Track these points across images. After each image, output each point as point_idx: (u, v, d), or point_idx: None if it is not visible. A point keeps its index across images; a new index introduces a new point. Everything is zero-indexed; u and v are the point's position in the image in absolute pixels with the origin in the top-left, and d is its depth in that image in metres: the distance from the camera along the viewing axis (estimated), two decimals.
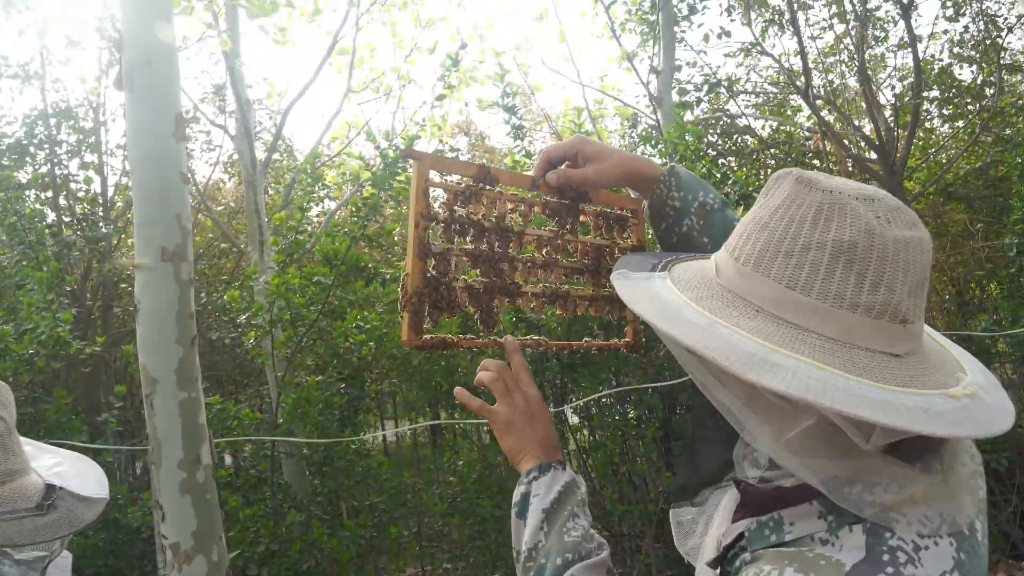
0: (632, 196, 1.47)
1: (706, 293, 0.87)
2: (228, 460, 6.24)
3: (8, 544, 1.13)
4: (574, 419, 5.13)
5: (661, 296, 0.89)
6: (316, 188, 5.86)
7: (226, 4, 5.01)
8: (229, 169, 8.80)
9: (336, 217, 6.03)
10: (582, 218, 1.42)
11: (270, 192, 7.95)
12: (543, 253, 1.38)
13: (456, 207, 1.27)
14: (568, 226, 1.38)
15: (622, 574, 4.72)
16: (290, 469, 5.09)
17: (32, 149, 6.57)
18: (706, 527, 1.10)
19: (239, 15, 5.69)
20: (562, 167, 1.33)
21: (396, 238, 7.22)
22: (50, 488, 1.20)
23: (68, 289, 4.84)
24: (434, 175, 1.27)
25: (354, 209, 4.86)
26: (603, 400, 4.66)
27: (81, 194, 7.24)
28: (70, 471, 1.31)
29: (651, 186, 1.26)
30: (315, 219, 7.43)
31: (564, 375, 4.76)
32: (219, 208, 8.85)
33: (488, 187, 1.30)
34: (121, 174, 7.08)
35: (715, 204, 1.24)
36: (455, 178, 1.34)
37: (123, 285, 6.42)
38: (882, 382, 0.74)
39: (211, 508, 2.42)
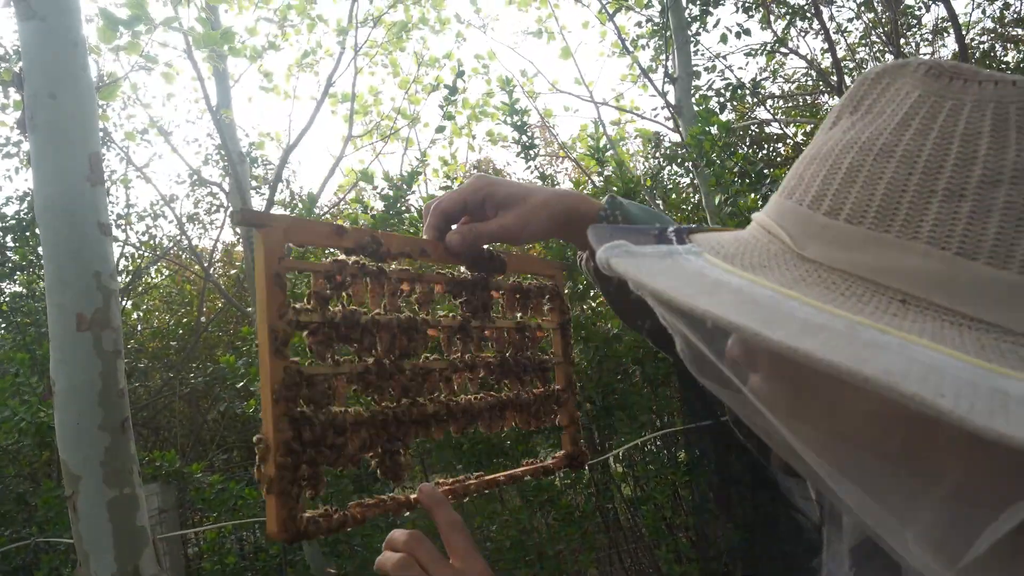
0: (547, 259, 1.10)
1: (795, 275, 0.47)
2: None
3: None
4: (619, 469, 4.59)
5: (725, 283, 0.46)
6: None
7: (206, 55, 4.71)
8: (238, 231, 8.53)
9: None
10: (494, 295, 1.00)
11: None
12: (457, 351, 0.95)
13: (328, 299, 0.81)
14: (482, 308, 0.96)
15: None
16: (310, 548, 4.63)
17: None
18: None
19: (227, 66, 5.41)
20: (461, 223, 0.92)
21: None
22: None
23: None
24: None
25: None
26: (647, 446, 4.13)
27: None
28: None
29: (587, 217, 0.89)
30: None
31: (600, 419, 4.25)
32: (232, 272, 8.58)
33: (374, 261, 0.84)
34: (124, 241, 6.81)
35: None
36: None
37: (141, 364, 6.09)
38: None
39: None
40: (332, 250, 0.90)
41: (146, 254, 7.72)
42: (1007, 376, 0.38)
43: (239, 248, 8.86)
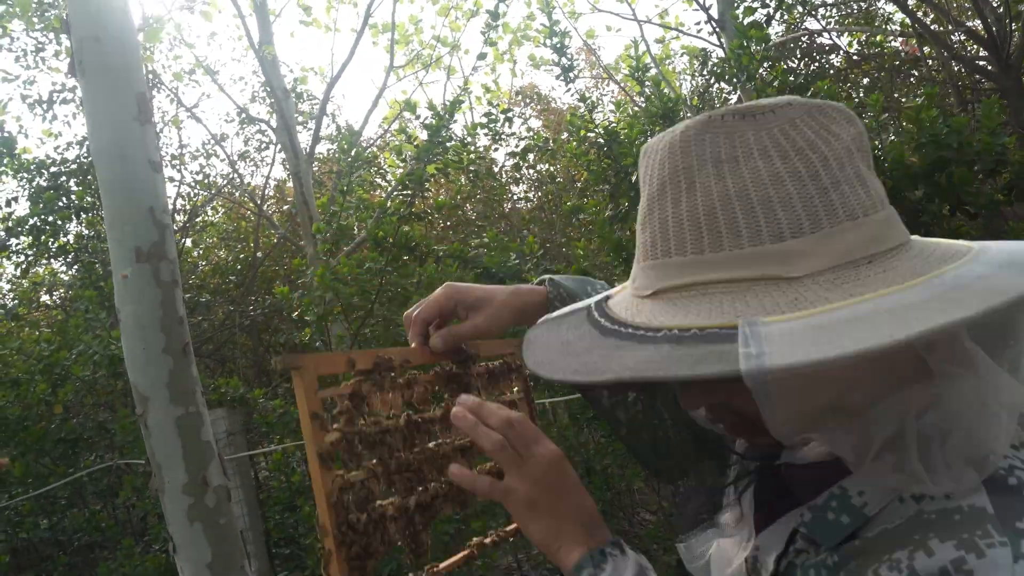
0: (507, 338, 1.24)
1: (812, 286, 0.62)
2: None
3: None
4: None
5: (819, 325, 0.58)
6: (364, 170, 5.57)
7: None
8: (286, 167, 8.67)
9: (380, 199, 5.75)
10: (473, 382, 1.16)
11: (328, 186, 7.76)
12: (455, 436, 1.10)
13: (355, 418, 0.97)
14: (459, 392, 1.10)
15: None
16: None
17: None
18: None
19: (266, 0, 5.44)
20: (434, 325, 1.10)
21: (469, 207, 6.87)
22: None
23: None
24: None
25: (400, 187, 4.54)
26: None
27: None
28: None
29: (543, 310, 1.07)
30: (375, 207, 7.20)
31: None
32: (285, 207, 8.77)
33: (386, 376, 1.02)
34: (180, 181, 7.01)
35: (600, 287, 1.11)
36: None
37: (187, 295, 6.36)
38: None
39: (227, 535, 2.13)
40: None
41: (201, 193, 7.93)
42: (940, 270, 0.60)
43: (290, 184, 9.03)
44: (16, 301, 6.32)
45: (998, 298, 0.54)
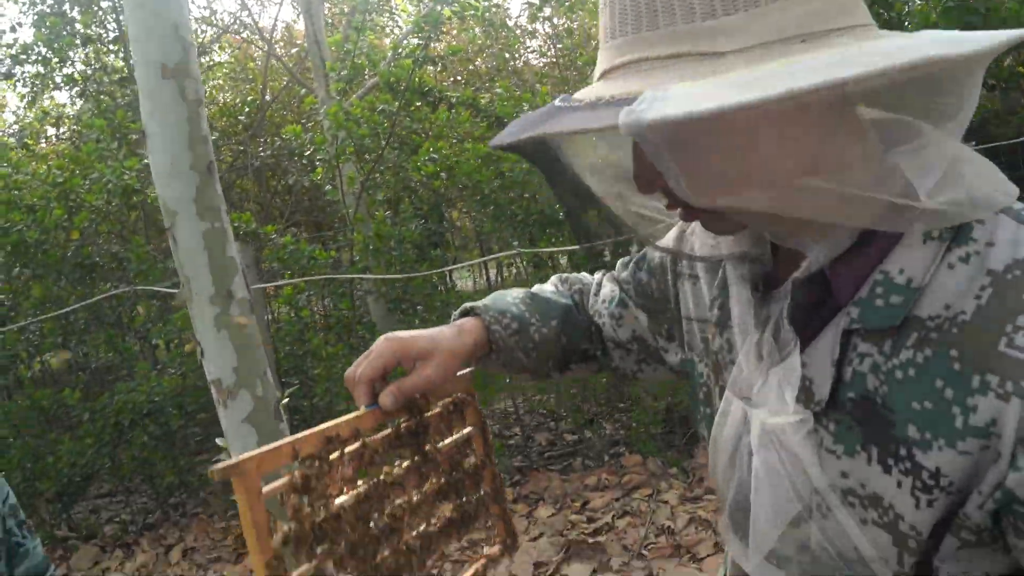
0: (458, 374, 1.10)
1: (737, 63, 0.61)
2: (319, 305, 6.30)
3: None
4: None
5: (714, 86, 0.59)
6: (384, 15, 5.43)
7: None
8: (296, 7, 8.43)
9: (395, 41, 5.63)
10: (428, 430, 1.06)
11: (337, 27, 7.56)
12: (408, 498, 1.02)
13: (301, 514, 0.89)
14: (417, 446, 1.03)
15: None
16: (376, 308, 5.04)
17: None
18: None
19: None
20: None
21: (479, 63, 6.75)
22: None
23: (136, 138, 4.74)
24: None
25: (416, 29, 4.46)
26: None
27: None
28: None
29: (485, 341, 1.04)
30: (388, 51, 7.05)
31: None
32: (294, 51, 8.58)
33: (336, 452, 0.93)
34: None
35: (527, 294, 1.10)
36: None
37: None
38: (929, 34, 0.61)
39: (250, 344, 2.28)
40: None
41: (207, 30, 7.75)
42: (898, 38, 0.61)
43: (299, 27, 8.80)
44: (24, 131, 6.32)
45: (884, 61, 0.54)
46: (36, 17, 5.27)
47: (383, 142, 4.26)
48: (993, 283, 0.63)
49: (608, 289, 1.11)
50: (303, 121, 6.54)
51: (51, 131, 7.37)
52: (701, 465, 4.14)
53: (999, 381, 0.60)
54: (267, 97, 7.27)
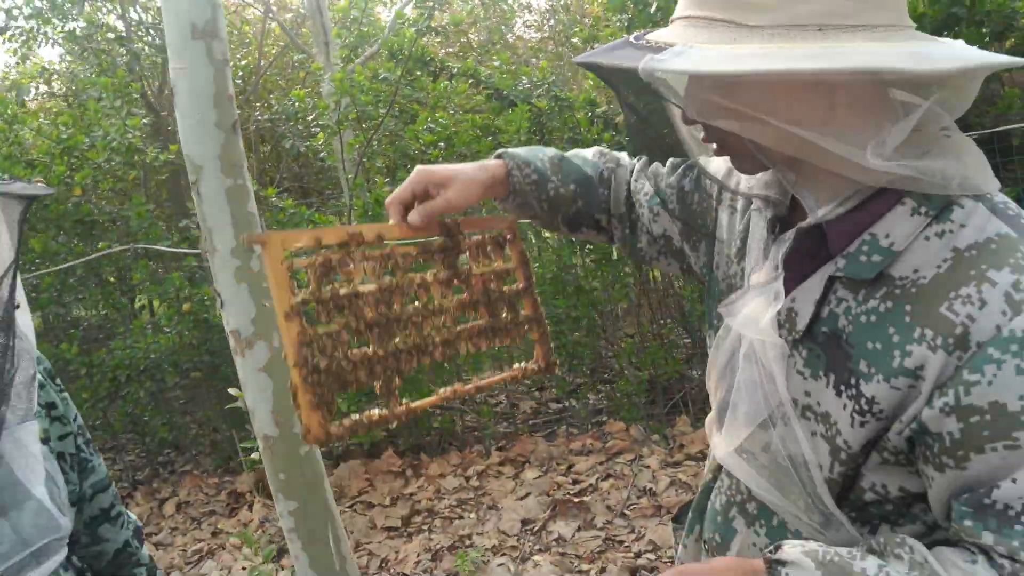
0: (500, 214, 1.32)
1: (759, 38, 0.75)
2: None
3: None
4: None
5: (731, 52, 0.74)
6: None
7: None
8: None
9: (399, 10, 5.69)
10: (462, 252, 1.26)
11: None
12: (433, 299, 1.21)
13: (323, 286, 1.08)
14: (449, 263, 1.23)
15: (700, 375, 4.69)
16: None
17: None
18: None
19: None
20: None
21: (472, 35, 6.81)
22: None
23: (136, 97, 4.78)
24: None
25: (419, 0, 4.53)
26: None
27: (150, 4, 7.08)
28: None
29: (503, 182, 1.20)
30: (386, 22, 7.08)
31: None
32: (288, 16, 8.56)
33: (360, 248, 1.12)
34: None
35: (558, 155, 1.23)
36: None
37: None
38: (945, 44, 0.75)
39: (268, 296, 2.39)
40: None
41: None
42: (905, 44, 0.73)
43: None
44: (19, 88, 6.30)
45: (828, 63, 0.68)
46: None
47: (383, 110, 4.34)
48: (954, 258, 0.76)
49: (645, 185, 1.22)
50: (299, 86, 6.58)
51: (42, 87, 7.33)
52: (682, 432, 4.31)
53: (932, 335, 0.75)
54: (262, 62, 7.29)
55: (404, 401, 1.16)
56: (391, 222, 1.19)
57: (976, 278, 0.74)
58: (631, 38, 0.82)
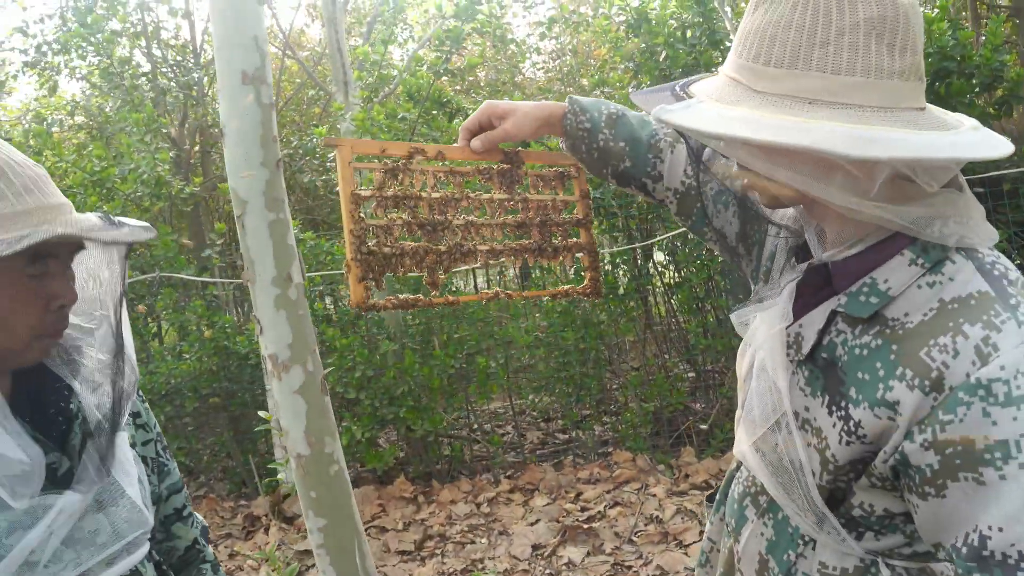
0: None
1: (755, 104, 0.88)
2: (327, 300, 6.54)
3: (94, 234, 0.99)
4: (660, 256, 5.10)
5: (725, 114, 0.88)
6: (397, 24, 5.73)
7: None
8: (312, 12, 8.69)
9: (418, 53, 5.92)
10: (526, 180, 1.51)
11: (352, 36, 7.85)
12: (486, 214, 1.46)
13: (386, 184, 1.36)
14: (507, 187, 1.47)
15: (704, 408, 4.83)
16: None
17: None
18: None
19: None
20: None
21: (481, 73, 7.05)
22: (104, 215, 1.08)
23: (165, 132, 4.99)
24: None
25: (436, 43, 4.75)
26: (689, 236, 4.60)
27: (172, 42, 7.33)
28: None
29: (559, 123, 1.34)
30: (398, 61, 7.33)
31: (650, 211, 4.70)
32: (304, 54, 8.83)
33: (420, 160, 1.39)
34: (207, 20, 7.09)
35: (618, 112, 1.33)
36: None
37: (217, 130, 6.59)
38: (937, 130, 0.84)
39: (303, 323, 2.55)
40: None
41: None
42: (865, 128, 0.81)
43: (309, 33, 9.05)
44: (47, 120, 6.52)
45: (790, 139, 0.79)
46: (76, 11, 5.49)
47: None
48: (939, 308, 0.86)
49: (713, 179, 1.29)
50: (315, 122, 6.81)
51: (67, 120, 7.55)
52: (687, 463, 4.44)
53: (912, 375, 0.85)
54: (278, 99, 7.54)
55: (445, 294, 1.45)
56: (457, 144, 1.42)
57: (953, 329, 0.83)
58: (676, 85, 0.99)
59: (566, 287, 1.58)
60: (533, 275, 5.93)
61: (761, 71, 0.88)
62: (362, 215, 1.31)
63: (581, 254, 1.58)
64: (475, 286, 9.58)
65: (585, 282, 1.57)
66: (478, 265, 1.46)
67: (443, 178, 1.44)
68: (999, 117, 3.82)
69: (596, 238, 1.60)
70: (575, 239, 1.59)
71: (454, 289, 5.26)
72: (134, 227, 1.11)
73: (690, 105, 0.90)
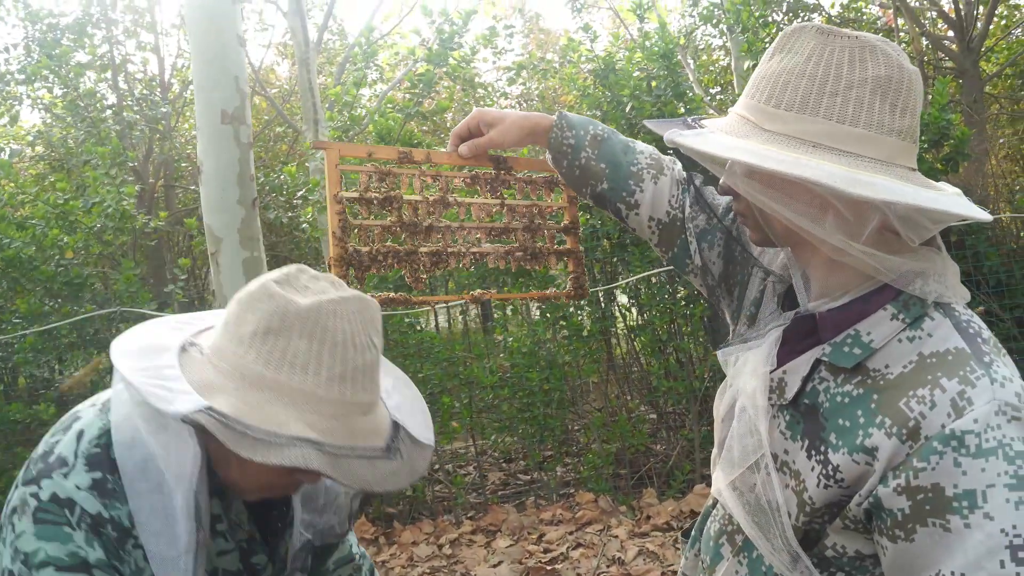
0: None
1: (763, 140, 0.94)
2: None
3: (362, 486, 0.96)
4: (623, 299, 5.18)
5: (733, 144, 0.95)
6: (369, 67, 5.81)
7: None
8: (282, 50, 8.75)
9: (390, 95, 6.00)
10: (513, 184, 1.57)
11: (322, 75, 7.92)
12: (471, 217, 1.52)
13: (372, 187, 1.41)
14: (492, 191, 1.52)
15: (665, 449, 4.88)
16: None
17: (89, 29, 6.61)
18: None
19: None
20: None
21: (449, 116, 7.15)
22: (395, 426, 1.07)
23: (131, 166, 4.96)
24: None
25: (408, 86, 4.83)
26: (653, 280, 4.69)
27: (139, 76, 7.32)
28: (404, 403, 1.15)
29: (544, 135, 1.38)
30: (367, 102, 7.41)
31: (614, 255, 4.79)
32: (273, 91, 8.87)
33: (407, 165, 1.45)
34: (176, 55, 7.12)
35: (604, 134, 1.35)
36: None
37: (184, 164, 6.56)
38: (927, 188, 0.91)
39: None
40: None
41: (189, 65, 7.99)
42: (857, 172, 0.88)
43: (279, 71, 9.09)
44: (6, 149, 6.44)
45: (793, 171, 0.86)
46: (42, 42, 5.47)
47: None
48: (918, 361, 0.91)
49: (699, 215, 1.32)
50: (282, 159, 6.82)
51: (27, 150, 7.46)
52: (648, 504, 4.48)
53: (890, 424, 0.89)
54: None
55: (425, 294, 1.48)
56: (446, 150, 1.47)
57: (931, 383, 0.88)
58: (689, 118, 1.05)
59: (551, 290, 1.64)
60: (496, 315, 5.97)
61: (772, 113, 0.95)
62: (347, 216, 1.36)
63: (567, 258, 1.62)
64: (436, 324, 9.58)
65: (567, 287, 1.62)
66: (463, 265, 1.50)
67: (429, 181, 1.48)
68: (946, 172, 4.00)
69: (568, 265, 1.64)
70: (562, 245, 1.64)
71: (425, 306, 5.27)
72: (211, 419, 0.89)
73: (701, 133, 0.97)
